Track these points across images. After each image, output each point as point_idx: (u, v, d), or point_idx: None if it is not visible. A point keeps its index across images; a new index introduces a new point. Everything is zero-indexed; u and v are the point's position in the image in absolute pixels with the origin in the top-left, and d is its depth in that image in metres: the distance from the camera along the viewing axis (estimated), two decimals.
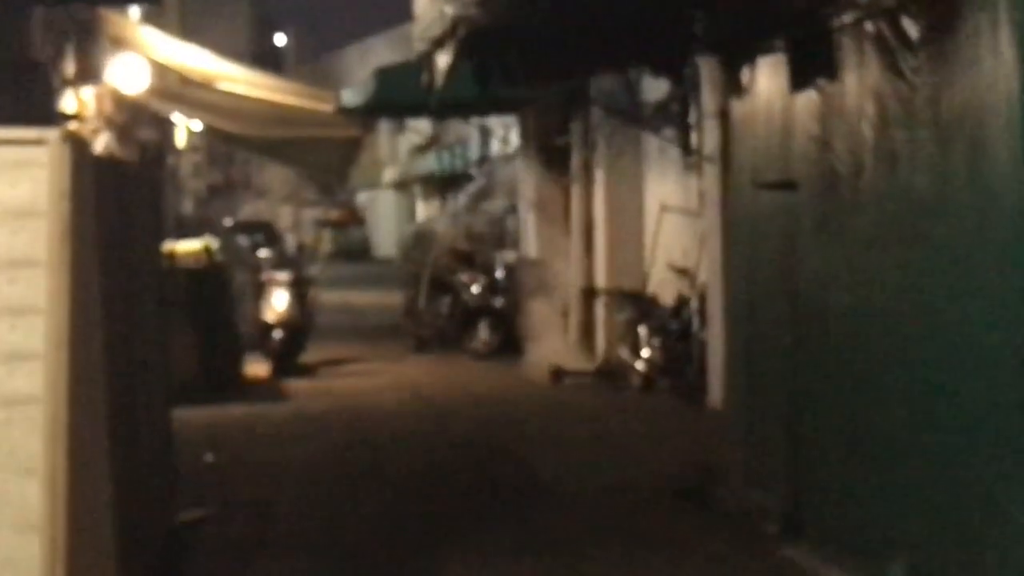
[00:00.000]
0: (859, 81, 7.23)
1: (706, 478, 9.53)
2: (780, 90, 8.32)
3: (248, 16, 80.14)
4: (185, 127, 25.66)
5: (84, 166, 5.27)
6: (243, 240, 32.26)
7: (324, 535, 8.64)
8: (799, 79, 7.97)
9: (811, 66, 7.81)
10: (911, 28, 6.61)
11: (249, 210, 78.26)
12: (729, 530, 8.50)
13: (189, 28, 35.68)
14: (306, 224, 65.17)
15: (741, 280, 9.09)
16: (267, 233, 46.83)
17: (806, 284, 7.94)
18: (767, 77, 8.61)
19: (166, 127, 24.57)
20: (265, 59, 67.93)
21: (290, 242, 55.19)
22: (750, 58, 8.83)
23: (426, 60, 11.60)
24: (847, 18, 7.32)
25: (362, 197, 62.05)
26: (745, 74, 8.97)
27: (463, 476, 10.46)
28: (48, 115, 11.93)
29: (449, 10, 10.19)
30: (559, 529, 8.72)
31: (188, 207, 35.06)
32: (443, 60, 10.90)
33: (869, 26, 7.06)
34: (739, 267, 9.19)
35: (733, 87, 9.19)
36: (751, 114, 8.86)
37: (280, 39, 77.70)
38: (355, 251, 56.49)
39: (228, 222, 50.30)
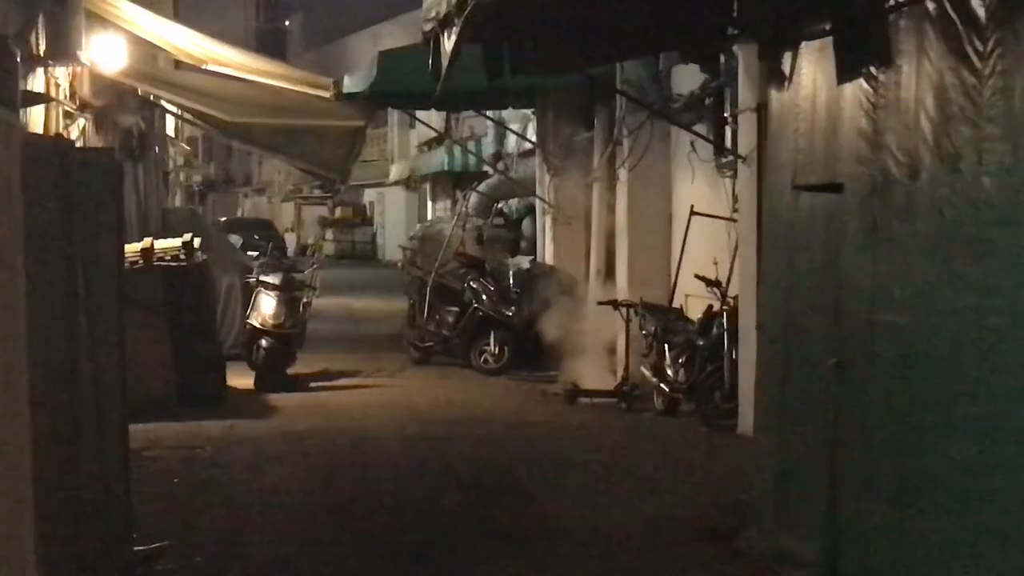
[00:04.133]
0: (917, 69, 6.74)
1: (734, 518, 9.05)
2: (826, 80, 7.84)
3: (253, 1, 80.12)
4: (176, 114, 25.27)
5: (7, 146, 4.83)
6: (237, 239, 31.92)
7: (295, 573, 8.18)
8: (848, 67, 7.49)
9: (862, 52, 7.34)
10: (979, 6, 6.13)
11: (248, 206, 78.25)
12: None
13: (184, 9, 35.39)
14: (309, 223, 64.93)
15: (778, 293, 8.59)
16: (265, 232, 46.55)
17: (852, 299, 7.45)
18: (811, 65, 8.12)
19: (153, 113, 24.11)
20: (270, 43, 67.80)
21: (291, 242, 55.14)
22: (792, 44, 8.35)
23: (431, 42, 11.10)
24: None
25: (369, 195, 61.69)
26: (786, 62, 8.49)
27: (461, 513, 9.93)
28: (9, 95, 11.47)
29: None
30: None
31: (178, 201, 34.64)
32: (449, 43, 10.42)
33: (930, 5, 6.58)
34: (775, 278, 8.69)
35: (772, 77, 8.70)
36: (792, 107, 8.37)
37: (286, 22, 77.53)
38: (360, 253, 56.22)
39: (222, 219, 50.07)
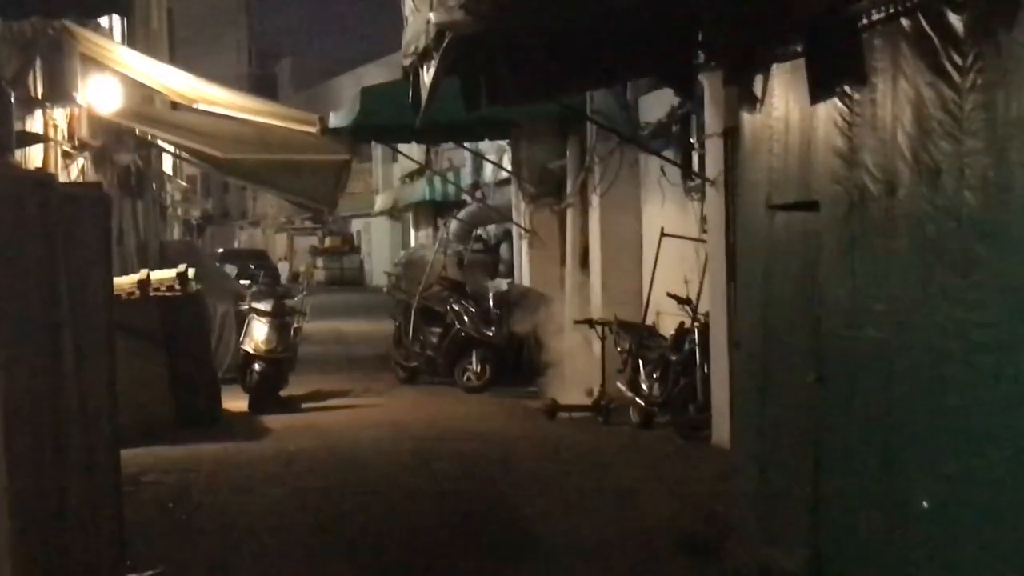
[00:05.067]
0: (893, 86, 6.25)
1: (716, 531, 8.53)
2: (799, 100, 7.36)
3: (245, 45, 79.71)
4: (173, 153, 24.76)
5: None
6: (232, 268, 31.37)
7: None
8: (821, 87, 7.00)
9: (835, 72, 6.85)
10: (957, 21, 5.64)
11: (244, 238, 77.72)
12: None
13: (182, 55, 34.88)
14: (301, 252, 64.45)
15: (754, 310, 8.08)
16: (259, 261, 46.03)
17: (830, 316, 6.95)
18: (783, 86, 7.65)
19: (150, 152, 23.57)
20: (262, 87, 67.36)
21: (284, 270, 54.60)
22: (764, 66, 7.87)
23: (412, 76, 10.58)
24: (878, 14, 6.35)
25: (356, 225, 61.39)
26: (757, 84, 8.00)
27: (448, 528, 9.37)
28: (7, 136, 10.93)
29: (434, 18, 9.21)
30: None
31: (176, 234, 34.06)
32: (429, 75, 9.90)
33: (904, 22, 6.09)
34: (752, 296, 8.19)
35: (743, 99, 8.21)
36: (765, 128, 7.88)
37: (276, 67, 77.19)
38: (349, 279, 55.84)
39: (219, 250, 49.54)
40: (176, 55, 32.56)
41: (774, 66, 7.73)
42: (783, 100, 7.63)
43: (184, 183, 38.60)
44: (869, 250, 6.52)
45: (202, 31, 63.51)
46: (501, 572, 8.17)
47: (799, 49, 7.31)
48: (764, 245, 7.89)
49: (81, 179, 16.99)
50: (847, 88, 6.73)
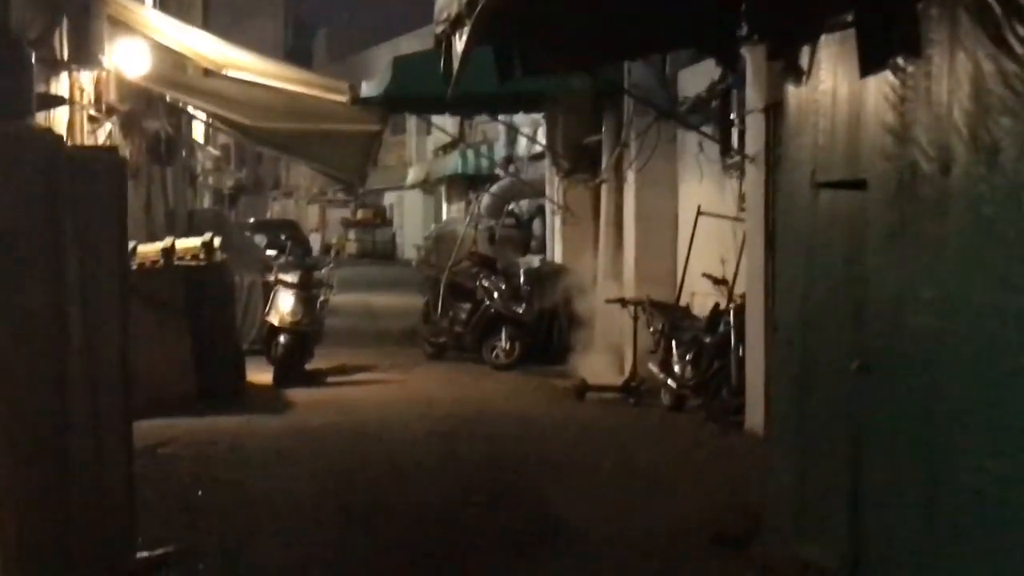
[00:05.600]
0: (951, 59, 5.90)
1: (749, 524, 8.20)
2: (848, 74, 6.99)
3: (282, 17, 79.41)
4: (204, 121, 24.47)
5: None
6: (262, 239, 31.14)
7: None
8: (872, 60, 6.63)
9: (887, 44, 6.48)
10: None
11: (277, 209, 77.51)
12: None
13: (218, 25, 34.57)
14: (333, 224, 64.23)
15: (794, 294, 7.73)
16: (290, 232, 45.80)
17: (876, 301, 6.60)
18: (831, 59, 7.28)
19: (180, 119, 23.31)
20: (298, 59, 67.03)
21: (315, 242, 54.44)
22: (811, 37, 7.50)
23: (444, 44, 10.25)
24: None
25: (389, 197, 61.15)
26: (804, 56, 7.64)
27: (471, 512, 9.06)
28: (26, 98, 10.64)
29: None
30: None
31: (206, 204, 33.83)
32: (461, 44, 9.56)
33: None
34: (792, 279, 7.84)
35: (789, 72, 7.84)
36: (811, 103, 7.52)
37: (312, 39, 76.94)
38: (380, 252, 55.58)
39: (251, 220, 49.36)
40: (211, 25, 32.25)
41: (822, 37, 7.36)
42: (831, 73, 7.27)
43: (216, 152, 38.36)
44: (920, 232, 6.17)
45: (241, 3, 63.35)
46: (524, 559, 7.87)
47: (849, 19, 6.95)
48: (807, 225, 7.54)
49: (108, 144, 16.77)
50: (900, 61, 6.37)
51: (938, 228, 5.99)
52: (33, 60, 11.05)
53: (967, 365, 5.75)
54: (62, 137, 6.49)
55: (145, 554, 7.24)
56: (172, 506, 8.80)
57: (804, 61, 7.62)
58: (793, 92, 7.82)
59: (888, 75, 6.46)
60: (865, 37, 6.71)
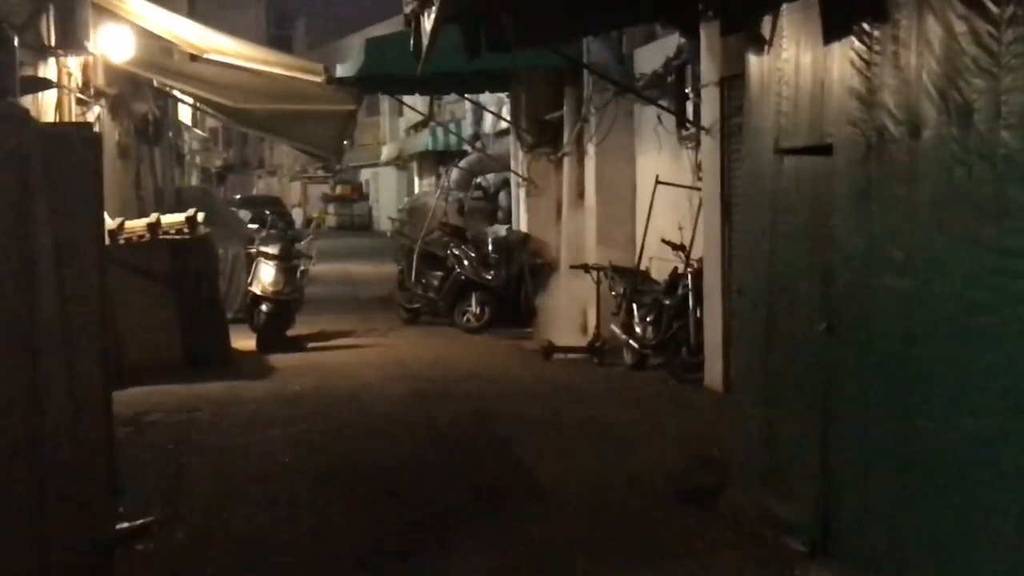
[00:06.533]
0: (918, 21, 5.37)
1: (714, 477, 7.71)
2: (811, 41, 6.47)
3: (264, 7, 78.23)
4: (190, 104, 23.75)
5: None
6: (247, 214, 30.45)
7: (278, 547, 6.76)
8: (836, 26, 6.11)
9: (852, 9, 5.96)
10: None
11: (262, 186, 76.58)
12: (744, 544, 6.68)
13: (203, 15, 33.72)
14: (314, 199, 63.50)
15: (759, 257, 7.22)
16: (274, 208, 45.07)
17: (843, 263, 6.09)
18: (794, 27, 6.75)
19: (167, 101, 22.60)
20: (277, 46, 66.02)
21: (298, 216, 53.73)
22: (772, 6, 6.97)
23: (413, 23, 9.67)
24: None
25: (366, 174, 60.56)
26: (765, 26, 7.10)
27: (445, 471, 8.52)
28: (9, 80, 9.99)
29: None
30: (549, 542, 6.87)
31: (193, 182, 33.09)
32: (429, 22, 8.98)
33: None
34: (755, 243, 7.33)
35: (751, 41, 7.31)
36: (773, 71, 6.98)
37: (292, 28, 75.98)
38: (358, 224, 55.02)
39: (237, 196, 48.58)
40: (196, 14, 31.41)
41: (784, 6, 6.83)
42: (793, 41, 6.74)
43: (203, 133, 37.58)
44: (888, 195, 5.66)
45: None
46: (497, 514, 7.37)
47: None
48: (771, 191, 7.02)
49: (97, 126, 16.09)
50: (865, 25, 5.85)
51: (907, 190, 5.48)
52: (16, 44, 10.37)
53: (937, 325, 5.26)
54: (28, 111, 5.87)
55: (126, 524, 6.67)
56: (155, 474, 8.24)
57: (766, 31, 7.09)
58: (755, 61, 7.28)
59: (854, 40, 5.94)
60: (828, 4, 6.19)
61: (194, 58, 18.11)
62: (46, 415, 5.39)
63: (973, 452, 5.01)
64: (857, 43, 5.92)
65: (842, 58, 6.08)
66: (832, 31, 6.15)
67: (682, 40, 12.63)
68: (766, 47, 7.07)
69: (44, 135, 6.00)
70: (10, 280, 4.94)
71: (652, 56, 13.82)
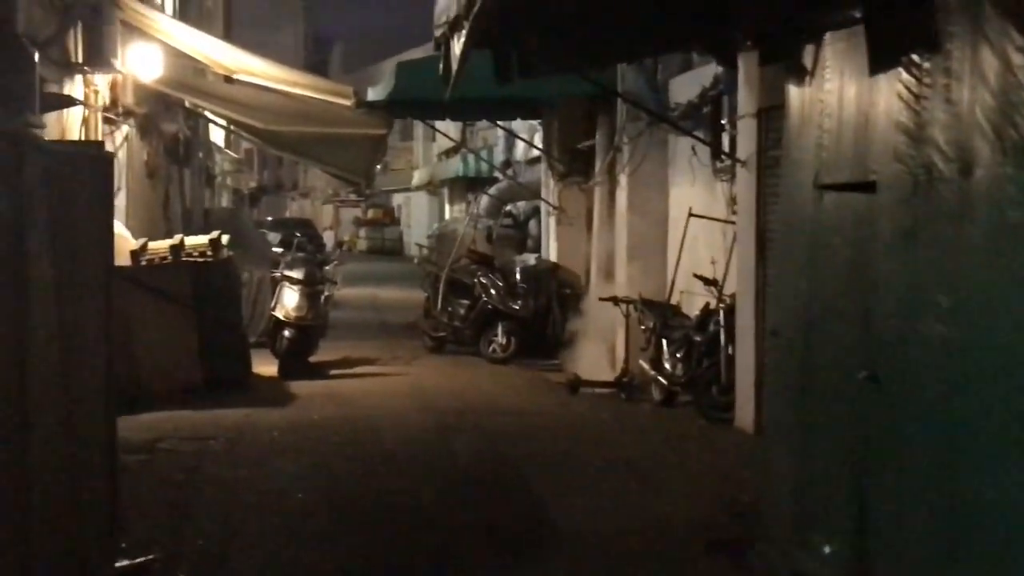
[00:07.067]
0: (973, 53, 5.03)
1: (745, 528, 7.35)
2: (855, 72, 6.13)
3: (302, 33, 78.49)
4: (220, 124, 23.59)
5: None
6: (276, 236, 30.26)
7: None
8: (883, 56, 5.78)
9: (900, 38, 5.62)
10: None
11: (295, 208, 76.66)
12: None
13: (241, 40, 33.60)
14: (346, 223, 63.50)
15: (794, 297, 6.87)
16: (305, 230, 44.98)
17: (886, 306, 5.74)
18: (837, 57, 6.42)
19: (197, 122, 22.42)
20: (314, 71, 66.15)
21: (329, 239, 53.70)
22: (814, 35, 6.64)
23: (443, 47, 9.39)
24: None
25: (398, 198, 60.60)
26: (807, 55, 6.78)
27: (465, 508, 8.20)
28: (28, 97, 9.75)
29: None
30: None
31: (224, 203, 32.95)
32: (459, 46, 8.69)
33: None
34: (791, 283, 6.98)
35: (792, 72, 6.98)
36: (815, 103, 6.66)
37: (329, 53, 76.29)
38: (389, 249, 54.97)
39: (268, 218, 48.52)
40: (233, 39, 31.33)
41: (827, 35, 6.51)
42: (837, 72, 6.41)
43: (236, 155, 37.49)
44: (935, 236, 5.31)
45: (263, 19, 62.52)
46: (517, 559, 7.03)
47: (857, 15, 6.10)
48: (809, 228, 6.68)
49: (126, 146, 15.90)
50: (915, 56, 5.51)
51: (956, 232, 5.12)
52: (37, 59, 10.15)
53: (987, 375, 4.90)
54: (32, 129, 5.61)
55: (125, 562, 6.36)
56: (163, 506, 7.93)
57: (807, 60, 6.77)
58: (795, 92, 6.96)
59: (902, 72, 5.60)
60: (875, 33, 5.87)
61: (228, 79, 17.95)
62: (36, 446, 5.10)
63: (1021, 510, 4.65)
64: (905, 75, 5.58)
65: (889, 90, 5.74)
66: (879, 62, 5.82)
67: (719, 70, 12.35)
68: (807, 77, 6.75)
69: (50, 155, 5.74)
70: (6, 307, 4.66)
71: (688, 86, 13.53)
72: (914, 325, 5.45)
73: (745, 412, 10.97)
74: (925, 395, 5.35)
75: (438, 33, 9.45)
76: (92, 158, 6.36)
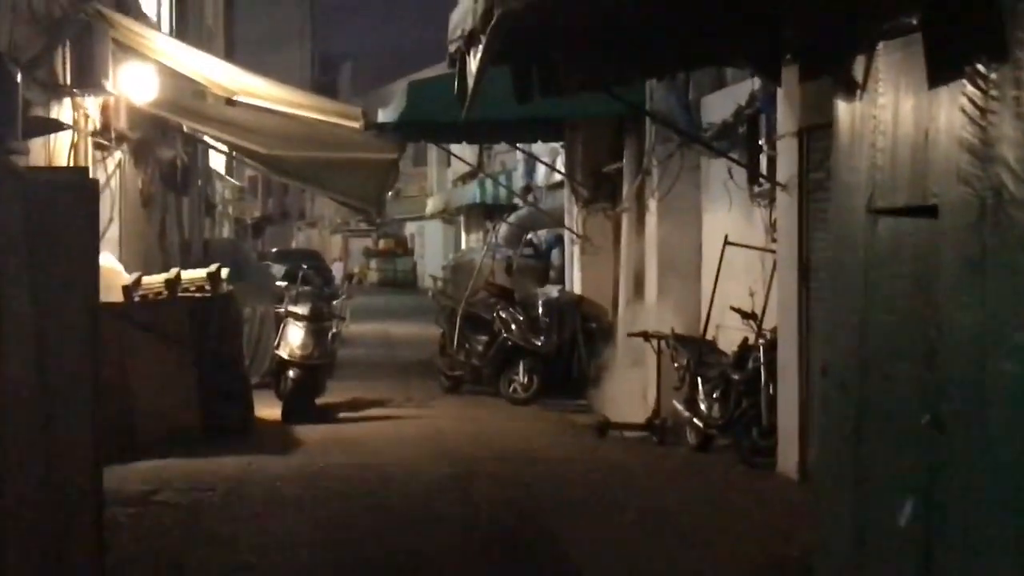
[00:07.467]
0: None
1: None
2: (913, 83, 5.92)
3: (308, 52, 78.74)
4: (221, 150, 23.49)
5: None
6: (281, 268, 30.13)
7: None
8: (944, 67, 5.56)
9: (963, 45, 5.42)
10: None
11: (302, 239, 76.71)
12: None
13: (246, 60, 33.61)
14: (355, 254, 63.48)
15: (847, 334, 6.65)
16: (313, 262, 44.90)
17: (952, 344, 5.51)
18: (892, 69, 6.22)
19: (196, 148, 22.32)
20: (323, 92, 66.26)
21: (338, 271, 53.66)
22: (866, 46, 6.44)
23: (458, 63, 9.21)
24: None
25: (411, 227, 60.47)
26: (858, 67, 6.57)
27: (485, 572, 7.96)
28: (10, 120, 9.58)
29: None
30: None
31: (226, 234, 32.85)
32: (475, 62, 8.52)
33: None
34: (844, 317, 6.76)
35: (841, 85, 6.78)
36: (867, 119, 6.45)
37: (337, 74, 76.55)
38: (402, 281, 54.90)
39: (274, 250, 48.45)
40: (235, 59, 31.32)
41: (880, 44, 6.30)
42: (891, 85, 6.20)
43: (238, 183, 37.45)
44: (1006, 265, 5.09)
45: (268, 39, 62.70)
46: None
47: (914, 22, 5.90)
48: (862, 256, 6.45)
49: (118, 173, 15.78)
50: (980, 66, 5.29)
51: None
52: (20, 81, 10.01)
53: None
54: (9, 156, 5.45)
55: None
56: (155, 566, 7.70)
57: (858, 73, 6.56)
58: (845, 108, 6.75)
59: (965, 84, 5.38)
60: (935, 41, 5.66)
61: (229, 102, 17.84)
62: (11, 503, 4.91)
63: None
64: (970, 87, 5.36)
65: (951, 104, 5.53)
66: (939, 73, 5.60)
67: (755, 87, 12.17)
68: (859, 92, 6.54)
69: (29, 182, 5.58)
70: None
71: (721, 104, 13.34)
72: (984, 363, 5.22)
73: (788, 457, 10.72)
74: (995, 441, 5.12)
75: (453, 48, 9.27)
76: (76, 185, 6.18)
